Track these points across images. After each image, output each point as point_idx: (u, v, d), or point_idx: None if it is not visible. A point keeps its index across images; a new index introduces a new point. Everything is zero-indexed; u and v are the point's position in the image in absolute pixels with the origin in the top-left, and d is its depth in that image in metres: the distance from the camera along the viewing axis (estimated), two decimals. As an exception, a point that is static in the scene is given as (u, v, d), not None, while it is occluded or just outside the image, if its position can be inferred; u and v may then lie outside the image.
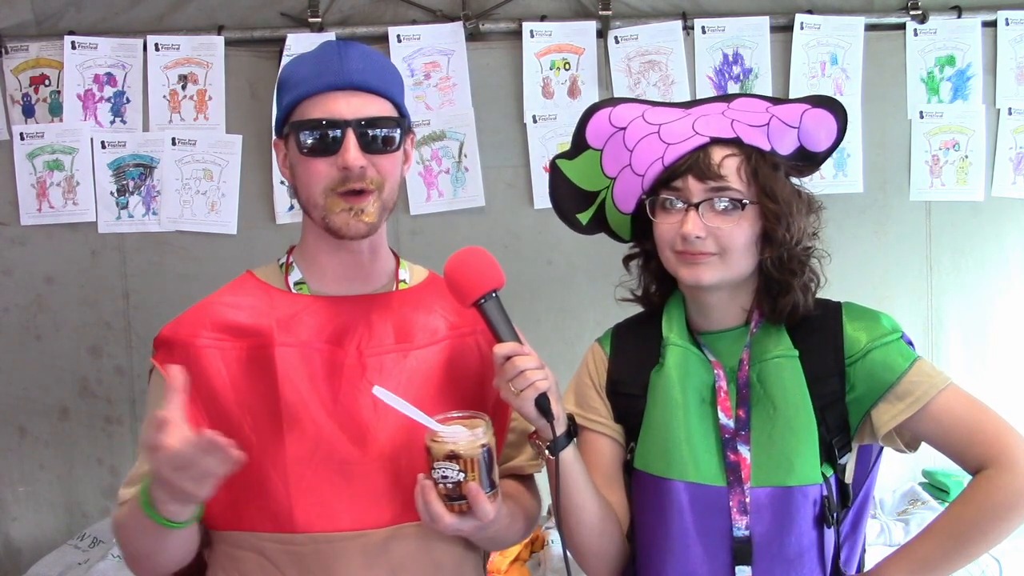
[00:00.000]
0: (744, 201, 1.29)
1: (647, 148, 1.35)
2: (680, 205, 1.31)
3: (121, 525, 1.29)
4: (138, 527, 1.22)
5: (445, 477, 1.18)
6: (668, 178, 1.32)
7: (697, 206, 1.29)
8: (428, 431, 1.21)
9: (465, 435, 1.19)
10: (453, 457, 1.18)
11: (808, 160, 1.37)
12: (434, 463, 1.19)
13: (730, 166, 1.30)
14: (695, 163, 1.30)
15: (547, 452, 1.27)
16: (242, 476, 1.25)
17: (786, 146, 1.34)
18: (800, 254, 1.33)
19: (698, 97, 2.73)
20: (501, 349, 1.23)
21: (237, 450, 1.11)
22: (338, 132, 1.26)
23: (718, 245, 1.30)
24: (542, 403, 1.23)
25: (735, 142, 1.31)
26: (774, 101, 1.38)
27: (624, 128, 1.38)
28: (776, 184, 1.30)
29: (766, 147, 1.32)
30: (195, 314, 1.33)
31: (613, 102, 1.43)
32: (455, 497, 1.19)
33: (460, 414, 1.25)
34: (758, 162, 1.30)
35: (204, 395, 1.27)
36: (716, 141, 1.31)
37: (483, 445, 1.19)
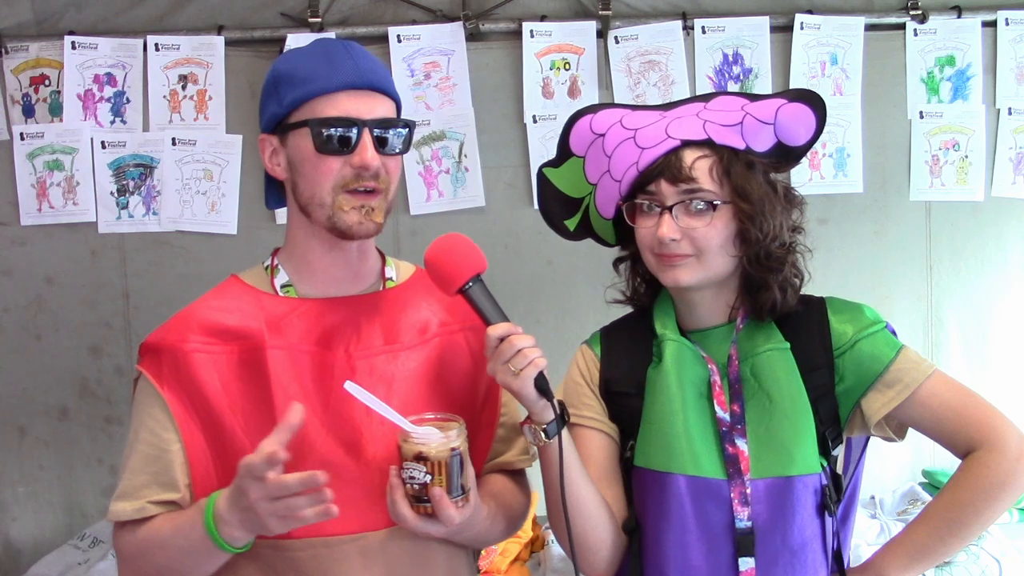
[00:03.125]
0: (716, 202, 1.30)
1: (623, 154, 1.36)
2: (656, 209, 1.33)
3: (150, 541, 1.25)
4: (185, 545, 1.22)
5: (412, 478, 1.18)
6: (643, 182, 1.34)
7: (671, 209, 1.31)
8: (401, 430, 1.20)
9: (436, 437, 1.18)
10: (421, 459, 1.17)
11: (787, 155, 1.37)
12: (403, 463, 1.19)
13: (702, 167, 1.31)
14: (667, 166, 1.32)
15: (543, 436, 1.26)
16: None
17: (762, 143, 1.34)
18: (777, 251, 1.33)
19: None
20: (495, 331, 1.23)
21: (333, 504, 1.12)
22: (355, 131, 1.26)
23: (694, 246, 1.31)
24: (541, 382, 1.23)
25: (707, 143, 1.32)
26: (751, 98, 1.39)
27: (603, 134, 1.40)
28: (749, 183, 1.31)
29: (740, 146, 1.33)
30: (181, 319, 1.32)
31: (594, 109, 1.45)
32: (422, 499, 1.18)
33: (436, 416, 1.24)
34: (731, 162, 1.31)
35: (196, 400, 1.27)
36: (688, 143, 1.32)
37: (453, 449, 1.18)
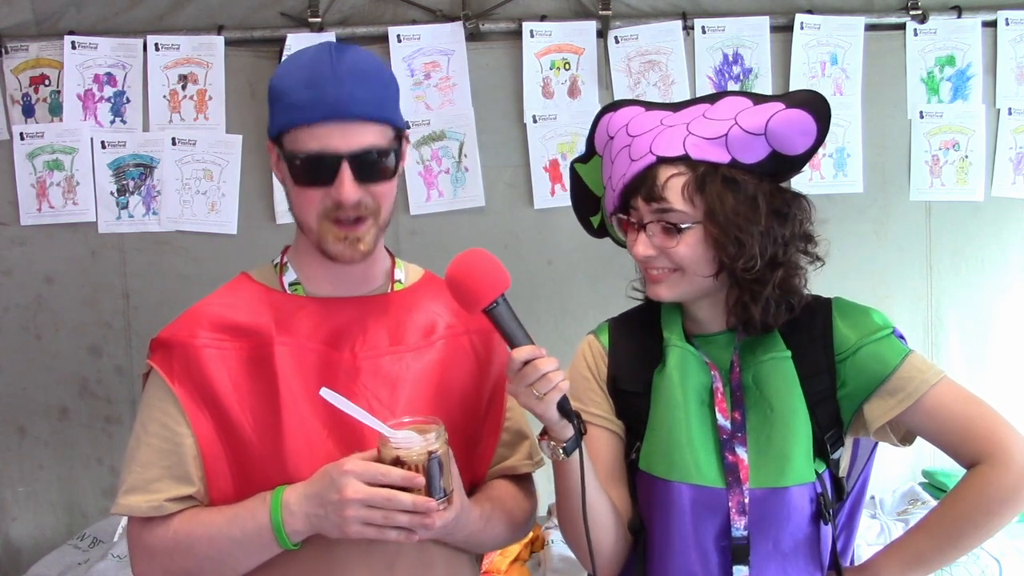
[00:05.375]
0: (683, 225, 1.28)
1: (620, 163, 1.36)
2: (635, 224, 1.33)
3: (194, 534, 1.24)
4: (238, 536, 1.22)
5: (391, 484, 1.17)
6: (626, 197, 1.34)
7: (645, 227, 1.31)
8: (379, 435, 1.18)
9: (415, 442, 1.17)
10: (399, 464, 1.16)
11: (785, 164, 1.31)
12: None
13: (674, 186, 1.28)
14: (643, 183, 1.31)
15: (561, 453, 1.24)
16: (244, 476, 1.26)
17: (753, 154, 1.29)
18: (753, 272, 1.29)
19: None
20: (520, 354, 1.20)
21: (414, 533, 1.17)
22: (333, 164, 1.23)
23: (672, 262, 1.31)
24: (564, 404, 1.21)
25: (683, 159, 1.29)
26: (756, 100, 1.34)
27: (613, 138, 1.39)
28: (722, 202, 1.27)
29: (723, 159, 1.29)
30: (192, 316, 1.32)
31: (615, 106, 1.42)
32: None
33: (414, 419, 1.23)
34: (706, 179, 1.28)
35: (206, 395, 1.27)
36: (663, 160, 1.30)
37: (431, 452, 1.16)
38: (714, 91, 2.69)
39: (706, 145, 1.29)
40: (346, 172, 1.23)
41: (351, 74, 1.25)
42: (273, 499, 1.21)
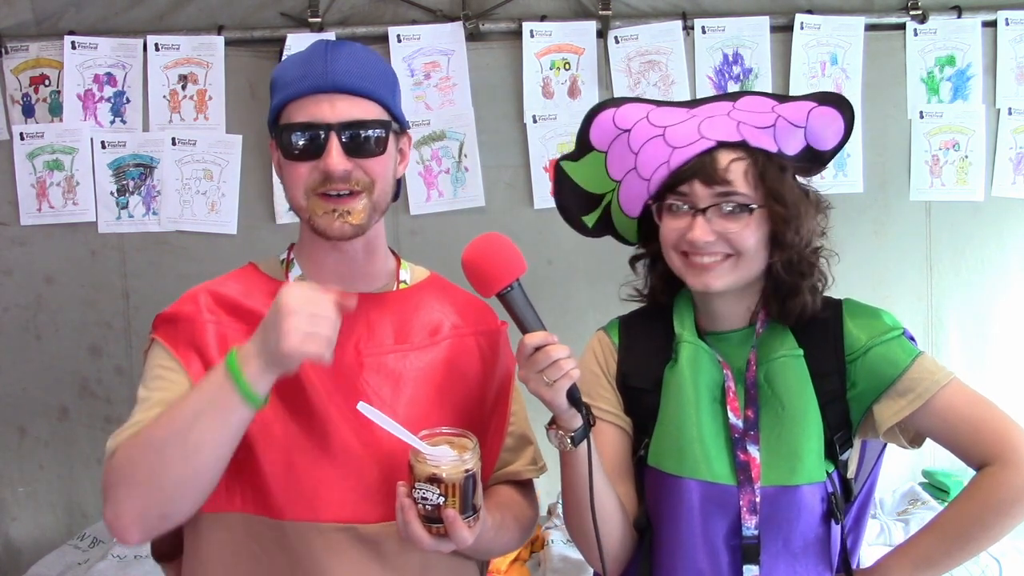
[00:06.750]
0: (752, 205, 1.28)
1: (652, 151, 1.34)
2: (686, 209, 1.30)
3: (156, 423, 1.17)
4: (197, 407, 1.14)
5: (425, 499, 1.15)
6: (674, 183, 1.31)
7: (704, 211, 1.29)
8: (412, 449, 1.17)
9: (450, 458, 1.16)
10: (435, 480, 1.15)
11: (814, 159, 1.36)
12: (415, 482, 1.16)
13: (737, 170, 1.28)
14: (701, 168, 1.29)
15: (568, 443, 1.24)
16: (236, 457, 1.22)
17: (793, 146, 1.33)
18: (809, 256, 1.33)
19: (698, 97, 2.74)
20: (532, 339, 1.20)
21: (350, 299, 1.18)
22: (321, 135, 1.24)
23: (730, 247, 1.29)
24: (573, 392, 1.21)
25: (741, 145, 1.29)
26: (779, 99, 1.36)
27: (629, 130, 1.37)
28: (783, 187, 1.29)
29: (773, 148, 1.31)
30: (199, 293, 1.32)
31: (617, 102, 1.41)
32: (434, 519, 1.16)
33: (449, 431, 1.22)
34: (765, 165, 1.29)
35: (208, 368, 1.25)
36: (722, 145, 1.29)
37: (467, 471, 1.15)
38: (715, 91, 2.72)
39: (759, 133, 1.31)
40: (333, 143, 1.24)
41: (344, 54, 1.28)
42: (228, 355, 1.17)
